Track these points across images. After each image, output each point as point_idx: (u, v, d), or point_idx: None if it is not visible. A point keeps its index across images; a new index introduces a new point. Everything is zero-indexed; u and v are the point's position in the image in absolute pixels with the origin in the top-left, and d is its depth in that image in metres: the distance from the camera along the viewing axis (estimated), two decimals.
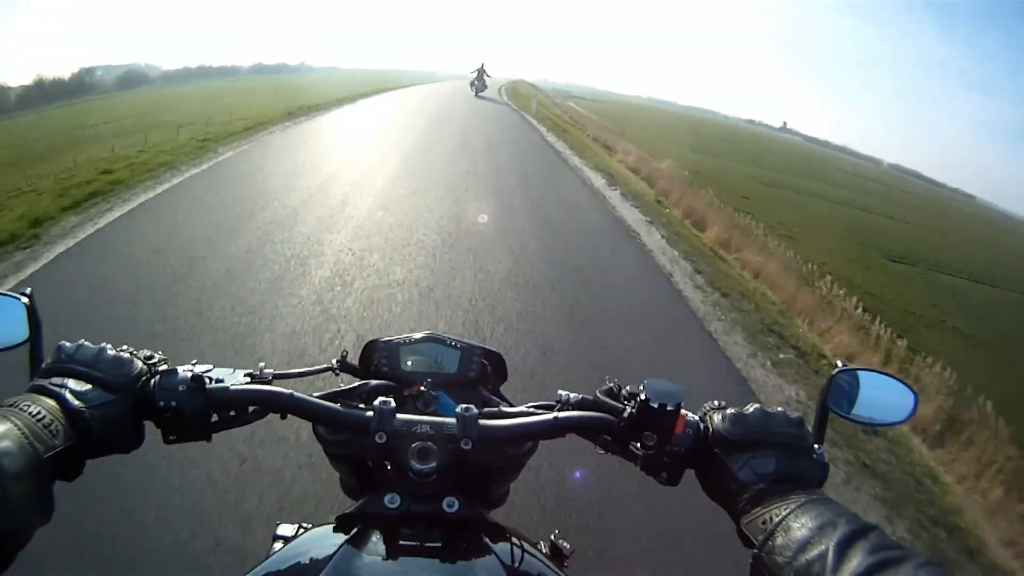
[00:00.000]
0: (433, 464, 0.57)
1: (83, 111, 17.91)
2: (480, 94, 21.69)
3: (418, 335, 0.82)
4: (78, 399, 0.51)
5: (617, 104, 59.32)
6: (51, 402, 0.49)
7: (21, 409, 0.46)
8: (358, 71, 74.49)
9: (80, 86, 28.97)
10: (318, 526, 0.61)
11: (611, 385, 0.65)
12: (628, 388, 0.64)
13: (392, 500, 0.57)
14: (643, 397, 0.56)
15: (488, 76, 22.23)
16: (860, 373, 0.66)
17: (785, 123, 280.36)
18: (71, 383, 0.52)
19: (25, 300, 0.59)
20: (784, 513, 0.47)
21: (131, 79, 34.55)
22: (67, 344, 0.55)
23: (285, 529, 0.68)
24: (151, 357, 0.60)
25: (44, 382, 0.52)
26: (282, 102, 13.81)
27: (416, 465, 0.57)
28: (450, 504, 0.57)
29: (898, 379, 0.67)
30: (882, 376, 0.67)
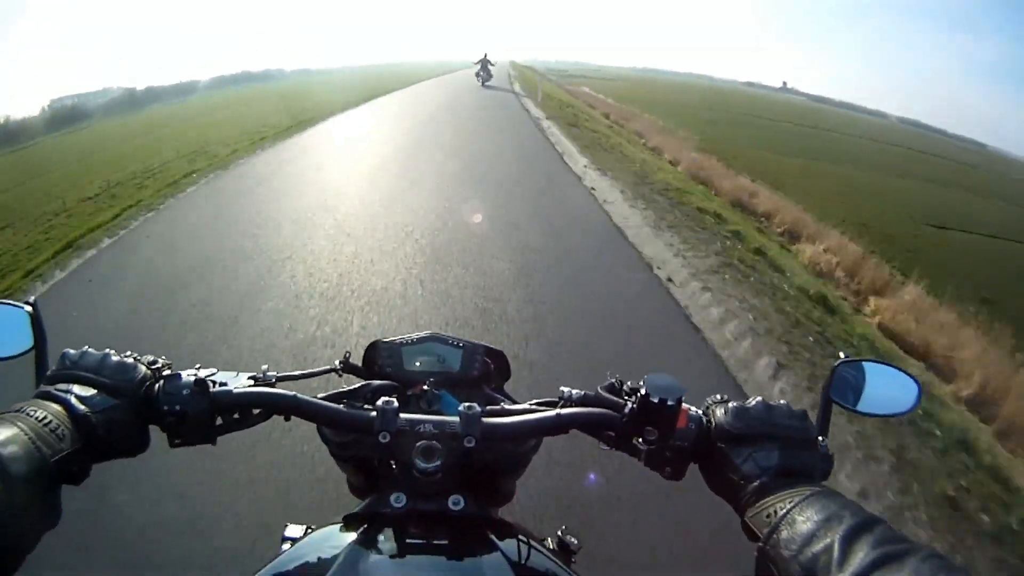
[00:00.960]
0: (437, 463, 0.56)
1: None
2: (486, 84, 22.16)
3: (420, 335, 0.80)
4: (83, 404, 0.50)
5: (622, 80, 53.21)
6: (57, 407, 0.49)
7: (27, 415, 0.46)
8: (334, 71, 68.73)
9: (4, 135, 23.89)
10: (325, 526, 0.60)
11: (612, 381, 0.64)
12: (629, 384, 0.63)
13: (398, 499, 0.56)
14: (643, 392, 0.56)
15: (492, 64, 22.68)
16: (862, 364, 0.66)
17: (785, 83, 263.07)
18: (76, 388, 0.51)
19: (29, 309, 0.61)
20: (789, 506, 0.46)
21: (66, 116, 29.30)
22: (71, 351, 0.55)
23: (293, 530, 0.65)
24: (155, 362, 0.59)
25: (50, 388, 0.51)
26: (186, 147, 8.45)
27: (420, 464, 0.56)
28: (456, 502, 0.57)
29: (900, 369, 0.66)
30: (884, 366, 0.66)
